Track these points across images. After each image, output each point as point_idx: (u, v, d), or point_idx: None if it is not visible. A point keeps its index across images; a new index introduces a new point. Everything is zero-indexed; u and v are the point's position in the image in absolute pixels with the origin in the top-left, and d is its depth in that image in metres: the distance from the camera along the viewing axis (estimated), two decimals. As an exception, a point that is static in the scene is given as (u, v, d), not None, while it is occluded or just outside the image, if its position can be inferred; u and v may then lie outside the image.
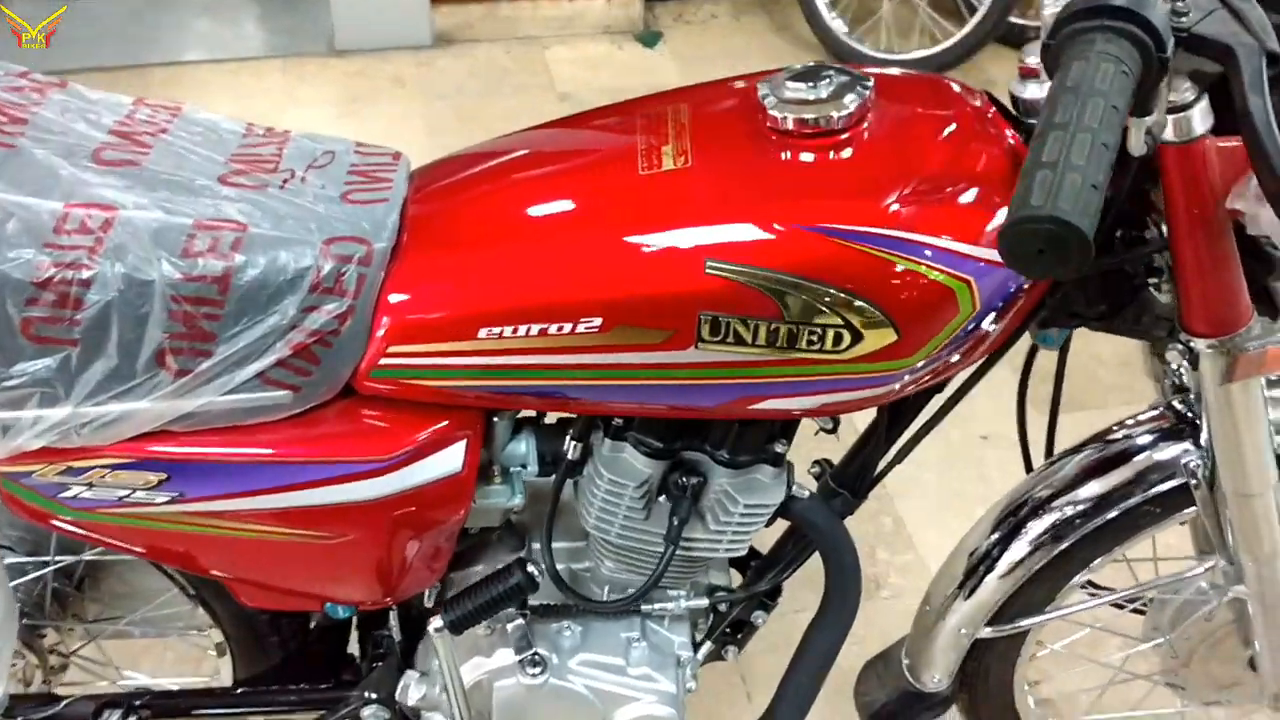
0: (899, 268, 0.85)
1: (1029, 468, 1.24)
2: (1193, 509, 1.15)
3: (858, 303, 0.86)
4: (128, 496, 0.93)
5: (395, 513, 0.96)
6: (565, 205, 0.93)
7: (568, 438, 1.02)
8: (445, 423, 0.95)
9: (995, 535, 1.20)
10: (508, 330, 0.89)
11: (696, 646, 1.16)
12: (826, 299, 0.85)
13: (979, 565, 1.20)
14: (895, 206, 0.86)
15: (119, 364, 0.86)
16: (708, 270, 0.86)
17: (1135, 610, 1.34)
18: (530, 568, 1.02)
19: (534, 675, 1.07)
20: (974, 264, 0.86)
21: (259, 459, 0.92)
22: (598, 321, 0.87)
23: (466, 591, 1.03)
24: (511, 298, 0.88)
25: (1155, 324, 0.98)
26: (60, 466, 0.91)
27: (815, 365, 0.88)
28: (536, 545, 1.11)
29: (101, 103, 0.97)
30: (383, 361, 0.91)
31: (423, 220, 0.94)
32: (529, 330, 0.88)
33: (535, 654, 1.07)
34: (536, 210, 0.94)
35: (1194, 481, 1.12)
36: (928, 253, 0.85)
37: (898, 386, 0.92)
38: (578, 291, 0.87)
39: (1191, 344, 0.94)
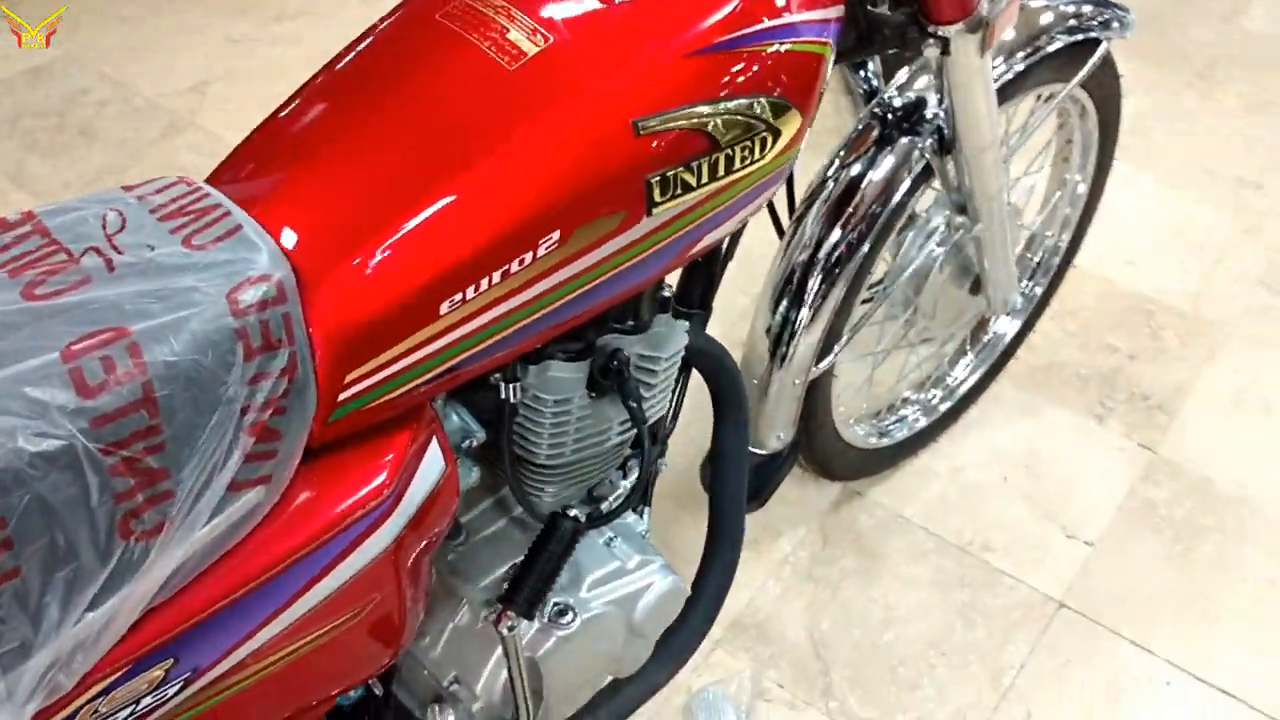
0: (785, 50, 0.88)
1: (780, 233, 1.36)
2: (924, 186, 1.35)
3: (768, 100, 0.87)
4: (135, 714, 0.71)
5: (408, 546, 0.83)
6: (457, 138, 0.80)
7: (503, 386, 0.93)
8: (412, 427, 0.83)
9: (782, 307, 1.32)
10: (470, 291, 0.78)
11: (639, 514, 1.17)
12: (744, 110, 0.86)
13: (781, 335, 1.32)
14: (761, 2, 0.88)
15: (81, 564, 0.64)
16: (639, 134, 0.81)
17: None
18: (569, 513, 0.97)
19: (567, 625, 1.01)
20: (831, 26, 0.92)
21: (265, 578, 0.75)
22: (556, 235, 0.80)
23: (522, 574, 0.94)
24: (465, 251, 0.77)
25: (905, 34, 1.09)
26: (32, 735, 0.67)
27: (748, 179, 0.89)
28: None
29: None
30: (341, 398, 0.76)
31: (299, 224, 0.78)
32: (491, 280, 0.78)
33: (558, 605, 1.01)
34: (429, 155, 0.80)
35: (931, 156, 1.30)
36: (802, 30, 0.89)
37: (792, 166, 0.96)
38: (527, 214, 0.78)
39: (942, 32, 1.08)
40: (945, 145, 1.28)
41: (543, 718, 1.04)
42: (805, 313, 1.33)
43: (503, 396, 0.93)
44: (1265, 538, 1.69)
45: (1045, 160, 1.68)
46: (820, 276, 1.32)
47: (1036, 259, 1.76)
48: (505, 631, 0.94)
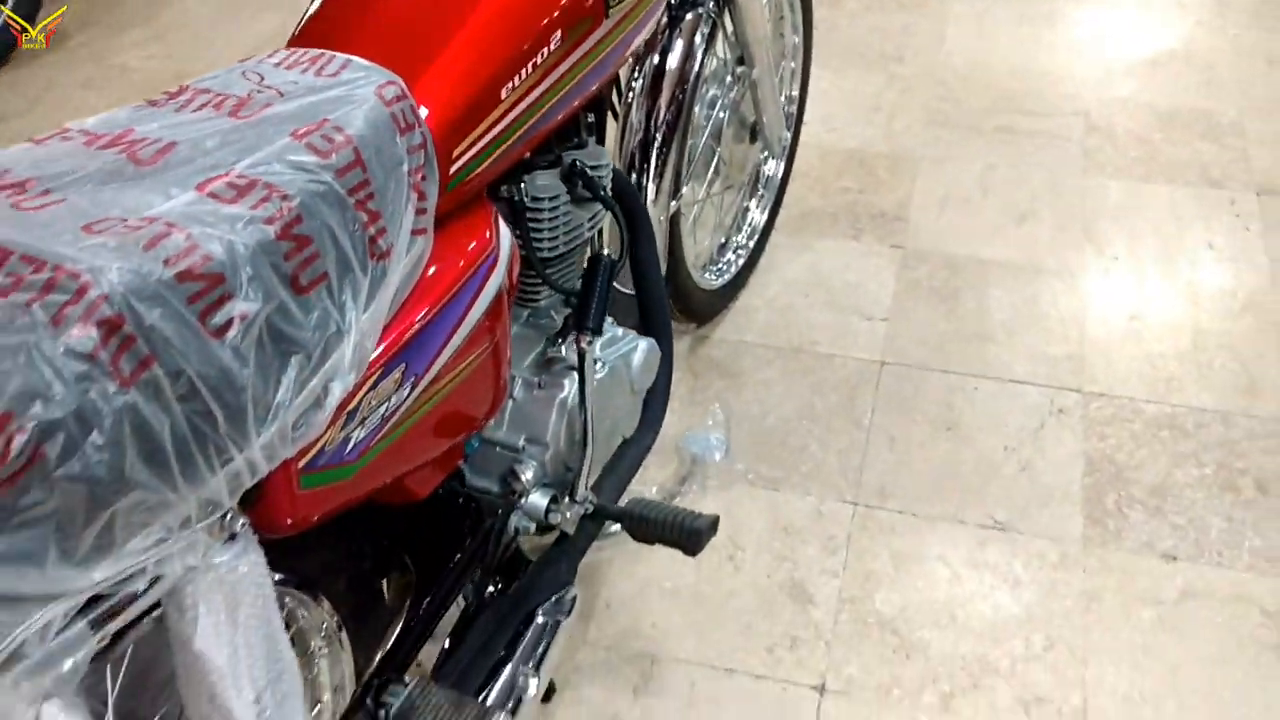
0: None
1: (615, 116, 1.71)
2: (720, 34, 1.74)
3: None
4: (388, 409, 0.95)
5: (503, 302, 1.10)
6: None
7: (513, 190, 1.22)
8: (487, 206, 1.11)
9: (633, 176, 1.67)
10: (515, 80, 1.07)
11: None
12: None
13: (641, 185, 1.68)
14: None
15: (354, 274, 0.86)
16: None
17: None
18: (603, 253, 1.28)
19: (601, 370, 1.31)
20: None
21: (441, 304, 1.00)
22: (558, 35, 1.11)
23: (583, 303, 1.23)
24: (509, 50, 1.06)
25: None
26: (340, 419, 0.89)
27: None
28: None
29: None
30: (452, 170, 1.03)
31: (383, 54, 1.02)
32: (525, 72, 1.08)
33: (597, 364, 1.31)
34: None
35: (715, 16, 1.70)
36: None
37: None
38: (543, 18, 1.09)
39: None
40: (722, 1, 1.69)
41: (589, 459, 1.32)
42: (651, 180, 1.68)
43: (515, 199, 1.22)
44: (1000, 279, 2.22)
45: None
46: (656, 148, 1.67)
47: (788, 108, 2.21)
48: (584, 346, 1.22)
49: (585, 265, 1.29)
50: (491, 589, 1.31)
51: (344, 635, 1.16)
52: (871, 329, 2.13)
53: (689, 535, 1.31)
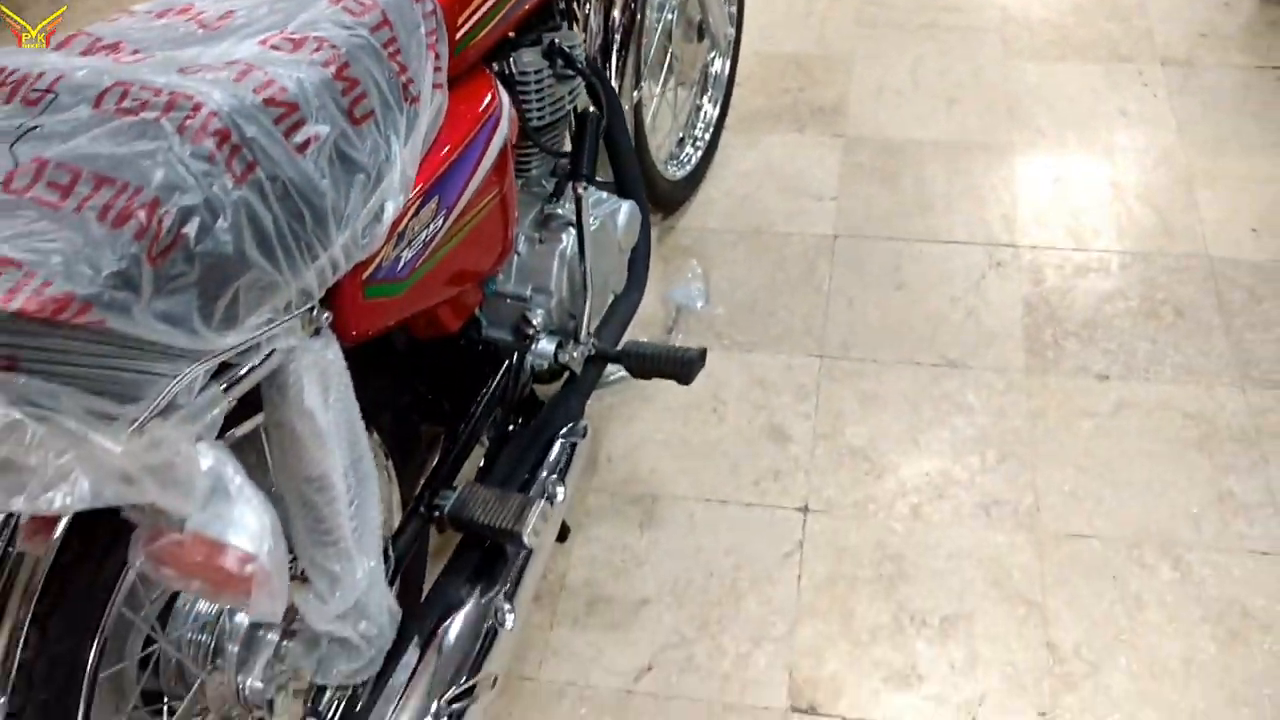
0: None
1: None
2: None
3: None
4: (428, 235, 1.11)
5: (508, 155, 1.27)
6: None
7: (504, 64, 1.38)
8: (486, 72, 1.27)
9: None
10: None
11: None
12: None
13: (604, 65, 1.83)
14: None
15: (394, 112, 1.03)
16: None
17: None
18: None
19: (596, 219, 1.49)
20: None
21: (464, 146, 1.16)
22: None
23: (576, 155, 1.40)
24: None
25: None
26: (393, 239, 1.05)
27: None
28: None
29: None
30: (458, 36, 1.19)
31: None
32: None
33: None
34: None
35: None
36: None
37: None
38: None
39: None
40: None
41: (590, 300, 1.49)
42: (614, 78, 1.84)
43: (505, 73, 1.38)
44: (934, 157, 2.41)
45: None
46: (616, 49, 1.83)
47: (729, 8, 2.37)
48: (581, 191, 1.39)
49: (574, 125, 1.46)
50: (512, 426, 1.48)
51: (391, 466, 1.33)
52: (823, 208, 2.32)
53: (682, 365, 1.49)
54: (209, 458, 0.85)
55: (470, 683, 1.18)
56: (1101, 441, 1.83)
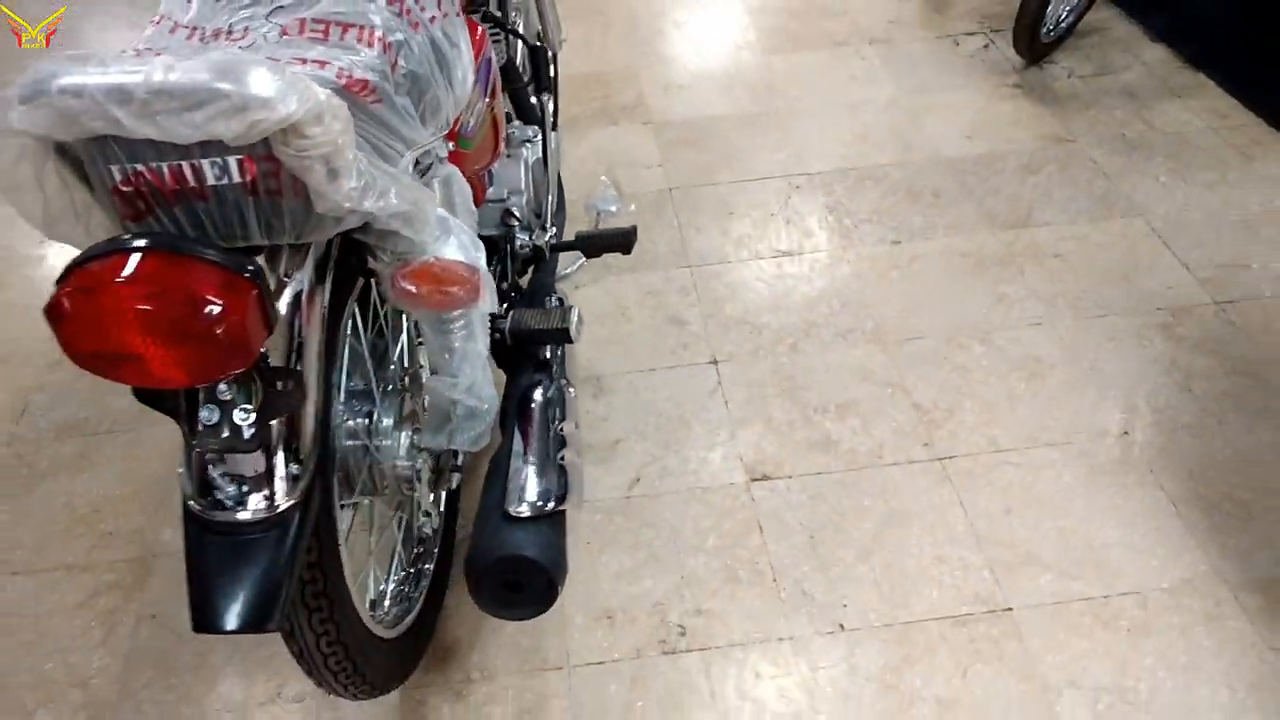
0: None
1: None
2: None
3: None
4: (478, 111, 1.57)
5: (498, 75, 1.74)
6: None
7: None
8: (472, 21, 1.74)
9: None
10: None
11: None
12: None
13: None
14: None
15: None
16: None
17: None
18: (538, 43, 1.91)
19: (534, 145, 1.97)
20: None
21: (479, 59, 1.62)
22: None
23: (535, 82, 1.86)
24: None
25: None
26: (465, 111, 1.50)
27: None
28: None
29: None
30: None
31: None
32: None
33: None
34: None
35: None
36: None
37: None
38: None
39: None
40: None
41: (551, 207, 1.96)
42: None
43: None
44: (725, 125, 3.05)
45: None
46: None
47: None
48: (544, 100, 1.87)
49: (530, 57, 1.95)
50: (514, 294, 1.92)
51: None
52: (653, 173, 2.89)
53: (623, 237, 1.99)
54: (436, 206, 1.27)
55: (562, 434, 1.60)
56: (908, 282, 2.47)
